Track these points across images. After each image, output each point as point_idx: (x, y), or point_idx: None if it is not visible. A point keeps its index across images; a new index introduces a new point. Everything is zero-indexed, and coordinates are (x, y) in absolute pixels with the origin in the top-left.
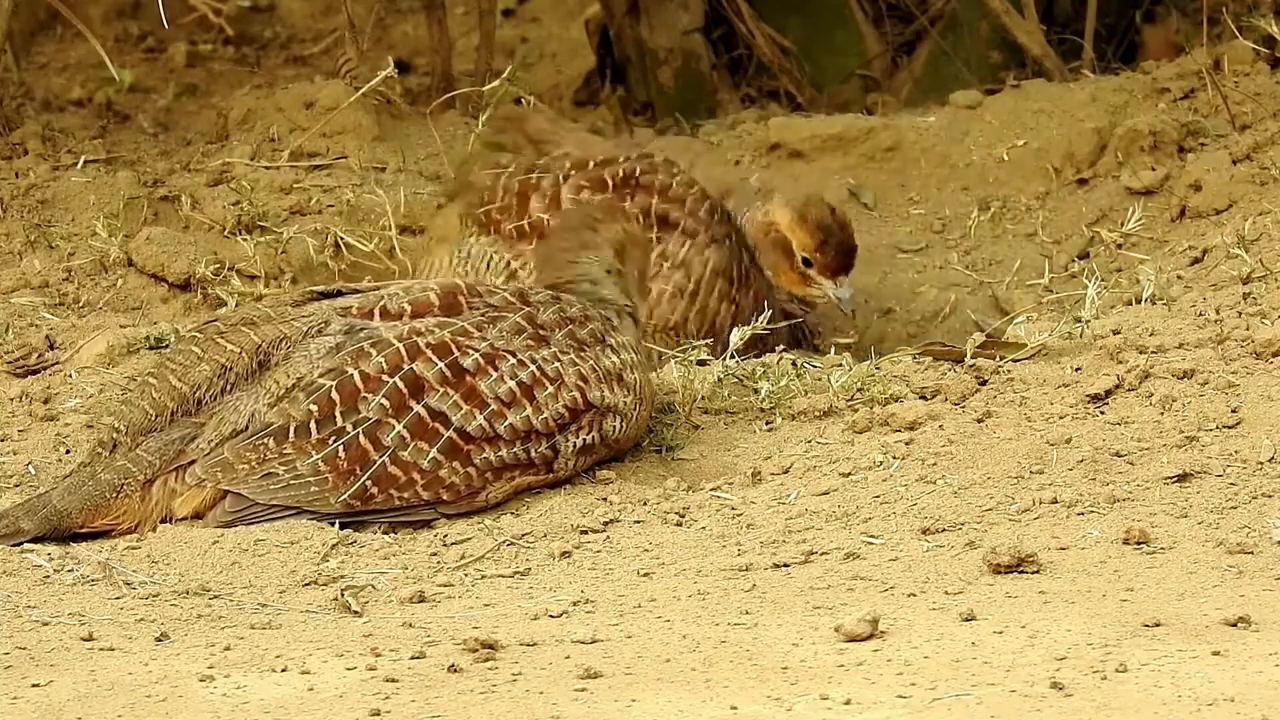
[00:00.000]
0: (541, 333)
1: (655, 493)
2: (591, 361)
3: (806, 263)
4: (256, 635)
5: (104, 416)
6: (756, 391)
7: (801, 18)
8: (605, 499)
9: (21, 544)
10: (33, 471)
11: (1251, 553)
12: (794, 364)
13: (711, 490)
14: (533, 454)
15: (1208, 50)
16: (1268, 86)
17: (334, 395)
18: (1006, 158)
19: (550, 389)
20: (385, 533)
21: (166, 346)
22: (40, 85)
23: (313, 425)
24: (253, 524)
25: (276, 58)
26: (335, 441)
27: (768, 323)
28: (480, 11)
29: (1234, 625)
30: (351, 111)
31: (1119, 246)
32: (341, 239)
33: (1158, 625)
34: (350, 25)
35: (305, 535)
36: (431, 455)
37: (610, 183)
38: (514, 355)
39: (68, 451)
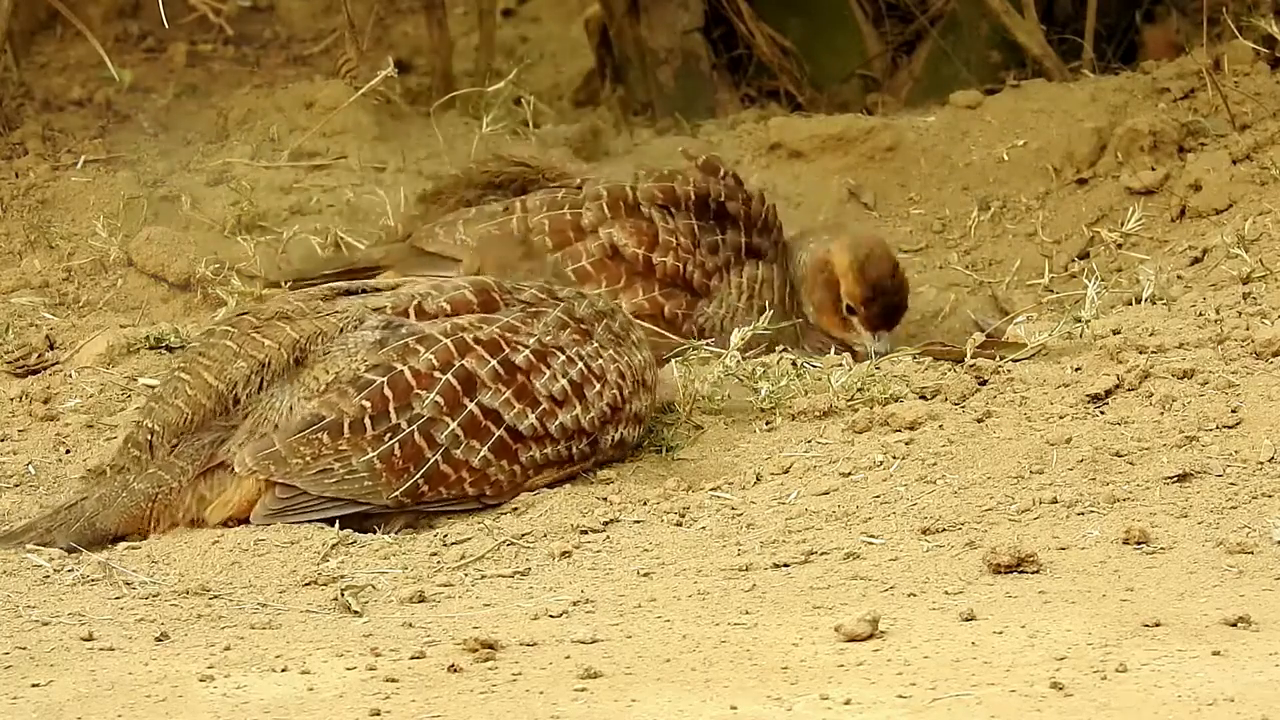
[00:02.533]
0: (583, 327)
1: (655, 493)
2: (627, 358)
3: (850, 310)
4: (256, 635)
5: (137, 417)
6: (756, 391)
7: (801, 18)
8: (605, 499)
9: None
10: (33, 471)
11: (1251, 553)
12: (794, 364)
13: (711, 490)
14: (574, 451)
15: (1208, 50)
16: (1268, 86)
17: (386, 392)
18: (1006, 158)
19: (597, 387)
20: (385, 532)
21: (167, 346)
22: (40, 85)
23: (367, 421)
24: (299, 517)
25: (276, 58)
26: (391, 439)
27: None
28: (480, 11)
29: (1234, 625)
30: (351, 111)
31: (1119, 246)
32: (341, 239)
33: (1158, 625)
34: (350, 25)
35: (305, 535)
36: (482, 454)
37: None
38: (563, 351)
39: (68, 451)
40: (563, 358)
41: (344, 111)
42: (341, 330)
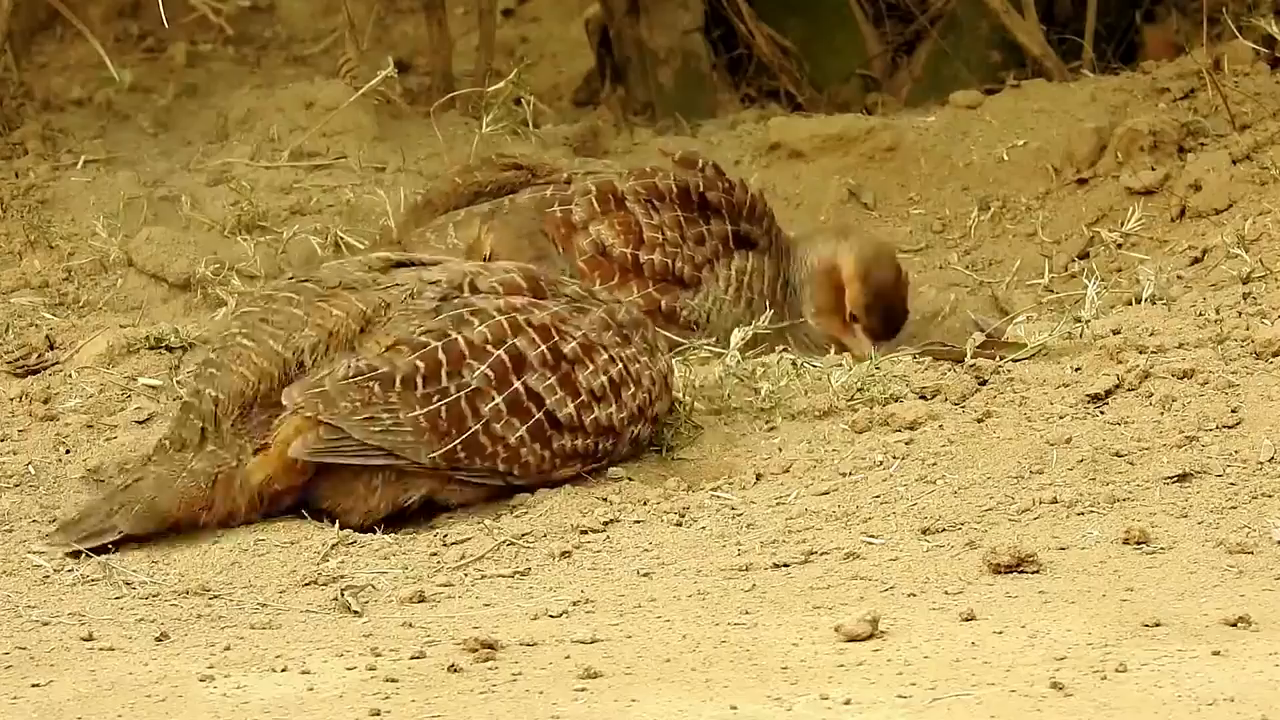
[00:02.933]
0: (624, 331)
1: (655, 493)
2: (656, 366)
3: (853, 317)
4: (256, 635)
5: (195, 383)
6: (756, 391)
7: (801, 18)
8: (605, 499)
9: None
10: (33, 471)
11: (1251, 553)
12: (794, 364)
13: (711, 490)
14: (600, 446)
15: (1208, 50)
16: (1268, 86)
17: (440, 355)
18: (1006, 158)
19: (632, 389)
20: (385, 532)
21: (167, 346)
22: (40, 85)
23: (419, 380)
24: (337, 459)
25: (276, 58)
26: (439, 401)
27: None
28: (480, 11)
29: (1234, 625)
30: (351, 111)
31: (1119, 246)
32: (341, 239)
33: (1158, 625)
34: (350, 25)
35: (305, 535)
36: (519, 433)
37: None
38: (606, 350)
39: (68, 451)
40: (605, 355)
41: (344, 111)
42: (402, 301)
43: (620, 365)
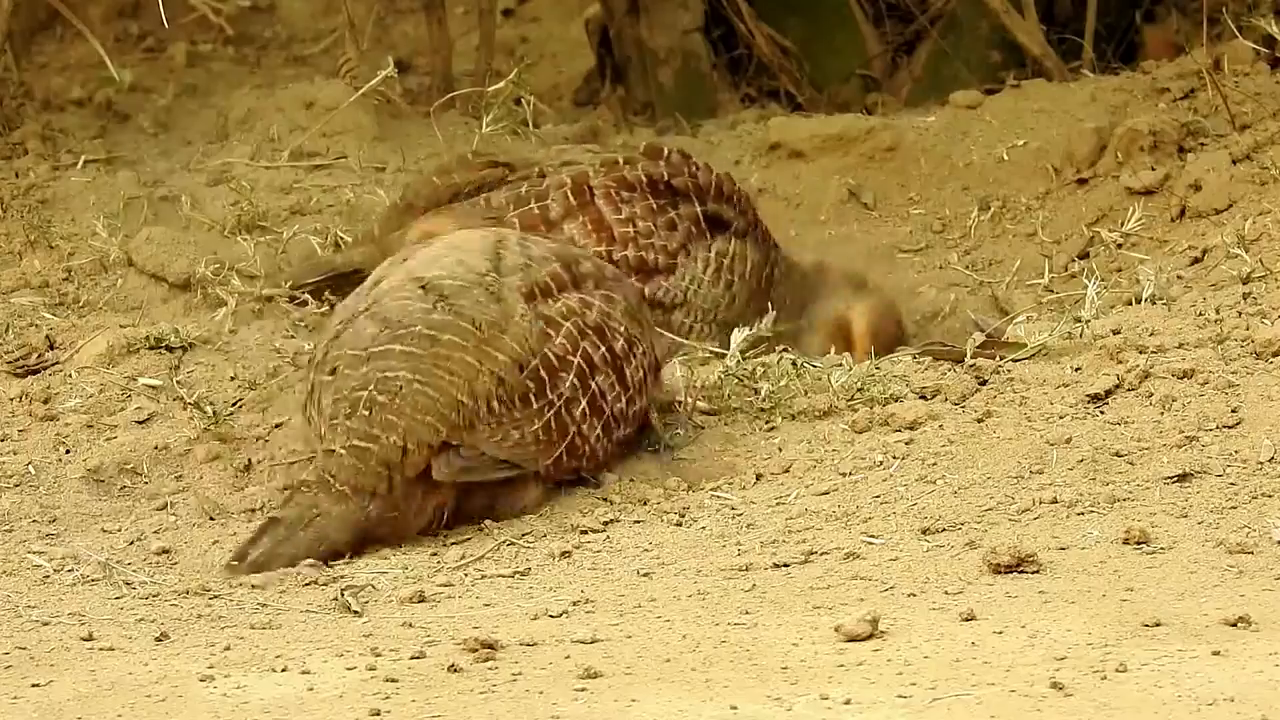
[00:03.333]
0: (638, 317)
1: (655, 493)
2: (658, 351)
3: None
4: (256, 635)
5: (371, 427)
6: (756, 391)
7: (801, 18)
8: (605, 499)
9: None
10: (33, 471)
11: (1251, 553)
12: (794, 364)
13: (711, 490)
14: (632, 433)
15: (1208, 50)
16: (1268, 86)
17: (543, 373)
18: (1006, 158)
19: (654, 376)
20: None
21: (167, 346)
22: (40, 85)
23: (532, 398)
24: (471, 475)
25: (276, 58)
26: (549, 412)
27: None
28: (480, 11)
29: (1234, 625)
30: (351, 111)
31: (1119, 246)
32: (341, 239)
33: (1158, 625)
34: (350, 25)
35: None
36: (597, 431)
37: None
38: (640, 343)
39: (68, 451)
40: (641, 348)
41: (344, 111)
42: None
43: (650, 356)
